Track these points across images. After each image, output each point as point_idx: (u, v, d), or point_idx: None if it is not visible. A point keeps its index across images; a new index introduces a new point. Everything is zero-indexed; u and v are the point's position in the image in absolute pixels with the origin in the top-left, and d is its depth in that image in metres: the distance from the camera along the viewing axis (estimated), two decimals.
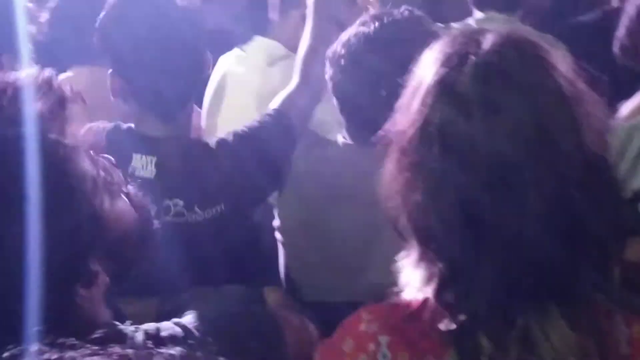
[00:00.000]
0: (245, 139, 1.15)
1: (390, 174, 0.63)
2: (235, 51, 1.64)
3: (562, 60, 0.62)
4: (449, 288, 0.60)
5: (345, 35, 1.13)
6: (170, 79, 1.07)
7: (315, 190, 1.16)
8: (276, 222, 1.23)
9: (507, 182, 0.58)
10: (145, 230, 0.64)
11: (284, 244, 1.23)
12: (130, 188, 0.64)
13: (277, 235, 1.23)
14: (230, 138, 1.16)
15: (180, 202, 1.07)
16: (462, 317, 0.58)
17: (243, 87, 1.56)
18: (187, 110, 1.19)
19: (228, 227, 1.11)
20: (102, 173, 0.58)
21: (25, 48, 1.16)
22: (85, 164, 0.56)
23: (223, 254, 1.09)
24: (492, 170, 0.58)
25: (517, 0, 1.75)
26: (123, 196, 0.62)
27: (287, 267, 1.24)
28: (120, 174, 0.63)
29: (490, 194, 0.58)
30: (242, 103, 1.54)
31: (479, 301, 0.58)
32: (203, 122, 1.62)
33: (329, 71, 1.13)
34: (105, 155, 0.63)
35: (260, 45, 1.61)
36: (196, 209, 1.08)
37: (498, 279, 0.58)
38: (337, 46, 1.12)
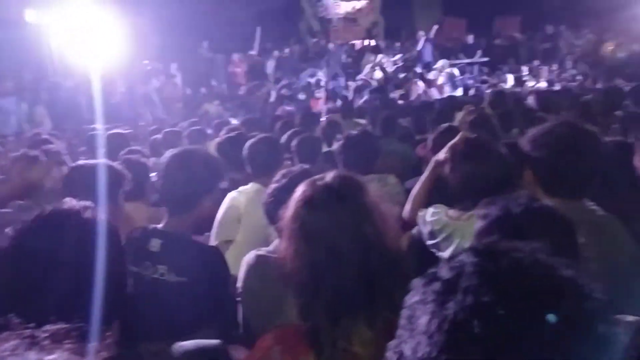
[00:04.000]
0: None
1: (283, 241, 1.18)
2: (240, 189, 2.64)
3: (373, 191, 1.18)
4: (305, 313, 1.08)
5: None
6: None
7: None
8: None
9: (334, 246, 1.10)
10: None
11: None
12: None
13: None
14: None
15: (165, 267, 1.74)
16: (312, 325, 1.03)
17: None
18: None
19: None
20: None
21: None
22: None
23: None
24: (325, 238, 1.11)
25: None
26: None
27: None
28: None
29: (325, 254, 1.09)
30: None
31: (320, 315, 1.08)
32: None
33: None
34: None
35: (254, 186, 2.60)
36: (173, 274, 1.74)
37: (330, 302, 1.08)
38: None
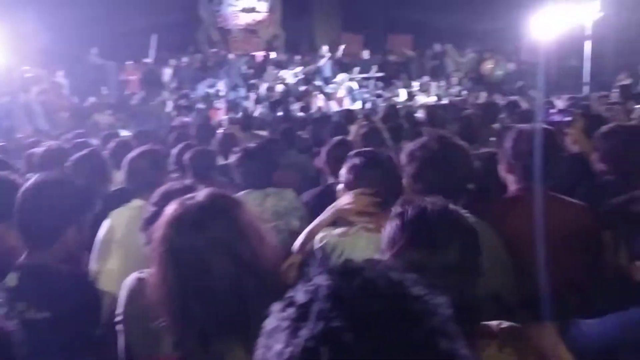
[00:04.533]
0: None
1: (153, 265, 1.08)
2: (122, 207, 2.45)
3: (249, 210, 1.12)
4: (177, 341, 1.02)
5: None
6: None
7: None
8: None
9: (205, 269, 1.02)
10: None
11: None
12: None
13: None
14: None
15: (24, 304, 1.56)
16: (183, 353, 0.94)
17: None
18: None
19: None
20: None
21: None
22: None
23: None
24: (195, 261, 1.02)
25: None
26: None
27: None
28: None
29: (195, 278, 1.01)
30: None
31: (192, 342, 0.98)
32: None
33: None
34: None
35: (137, 203, 2.44)
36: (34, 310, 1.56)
37: (201, 328, 1.01)
38: None
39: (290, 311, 0.55)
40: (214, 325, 1.01)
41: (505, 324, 1.15)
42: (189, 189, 1.58)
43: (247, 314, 1.02)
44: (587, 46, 11.93)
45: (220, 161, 4.11)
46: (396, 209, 1.24)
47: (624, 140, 2.35)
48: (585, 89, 11.47)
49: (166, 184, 1.79)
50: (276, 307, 0.58)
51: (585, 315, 1.38)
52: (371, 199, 1.84)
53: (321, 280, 0.57)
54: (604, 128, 2.51)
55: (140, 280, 1.76)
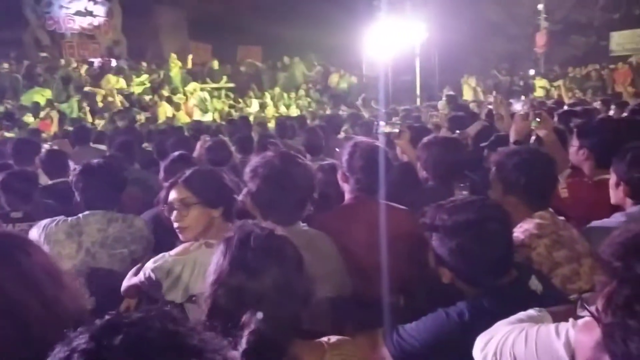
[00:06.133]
0: None
1: None
2: None
3: (42, 251, 1.01)
4: None
5: None
6: None
7: None
8: None
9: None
10: None
11: None
12: None
13: None
14: None
15: None
16: None
17: None
18: None
19: None
20: None
21: None
22: None
23: None
24: None
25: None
26: None
27: None
28: None
29: None
30: None
31: None
32: None
33: None
34: None
35: None
36: None
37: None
38: None
39: None
40: None
41: (333, 338, 1.18)
42: None
43: None
44: (418, 63, 13.33)
45: (46, 182, 3.66)
46: (227, 234, 1.26)
47: (439, 150, 2.63)
48: (418, 101, 12.79)
49: None
50: None
51: (410, 317, 1.48)
52: None
53: (78, 342, 0.52)
54: (424, 139, 2.78)
55: None
